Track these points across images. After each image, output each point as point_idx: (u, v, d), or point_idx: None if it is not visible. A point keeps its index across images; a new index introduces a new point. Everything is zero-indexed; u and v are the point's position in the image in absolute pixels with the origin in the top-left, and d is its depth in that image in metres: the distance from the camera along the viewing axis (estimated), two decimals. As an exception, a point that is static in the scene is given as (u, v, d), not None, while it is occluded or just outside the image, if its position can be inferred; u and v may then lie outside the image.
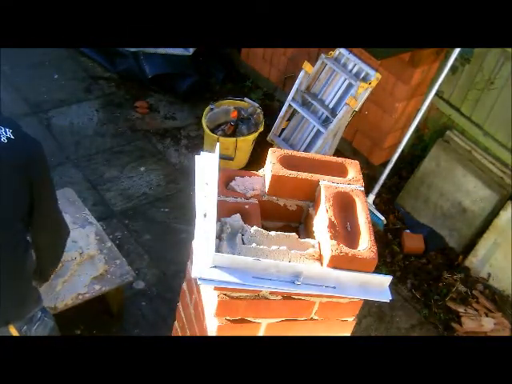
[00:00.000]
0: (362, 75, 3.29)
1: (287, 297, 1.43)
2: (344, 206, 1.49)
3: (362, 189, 1.55)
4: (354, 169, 1.60)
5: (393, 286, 3.21)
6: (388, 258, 3.40)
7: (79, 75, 4.22)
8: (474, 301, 3.25)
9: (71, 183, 3.31)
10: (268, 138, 3.68)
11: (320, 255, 1.42)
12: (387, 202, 3.70)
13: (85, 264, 2.61)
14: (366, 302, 1.49)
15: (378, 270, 1.38)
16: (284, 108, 3.55)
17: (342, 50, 3.35)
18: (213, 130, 3.70)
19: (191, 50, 4.27)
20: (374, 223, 3.32)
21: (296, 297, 1.43)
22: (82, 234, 2.72)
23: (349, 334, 1.59)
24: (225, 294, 1.39)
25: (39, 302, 2.02)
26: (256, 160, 3.73)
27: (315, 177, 1.54)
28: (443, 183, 3.50)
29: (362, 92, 3.24)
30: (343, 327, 1.56)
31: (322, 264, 1.41)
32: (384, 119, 3.56)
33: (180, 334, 1.94)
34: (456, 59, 3.21)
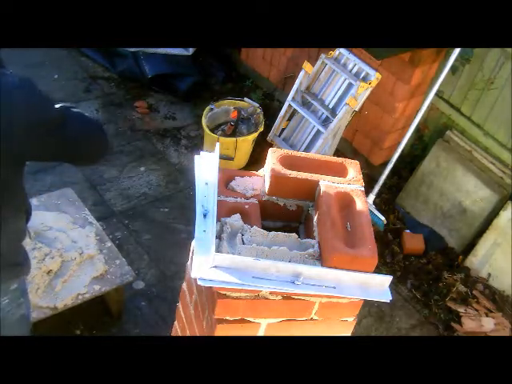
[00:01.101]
0: (362, 75, 3.29)
1: (287, 297, 1.42)
2: (344, 205, 1.49)
3: (362, 189, 1.55)
4: (353, 169, 1.60)
5: (393, 285, 3.21)
6: (388, 258, 3.40)
7: (79, 75, 4.22)
8: (474, 301, 3.25)
9: (71, 183, 3.31)
10: (268, 138, 3.68)
11: (320, 255, 1.42)
12: (387, 201, 3.70)
13: (85, 264, 2.61)
14: (366, 301, 1.49)
15: (377, 270, 1.38)
16: (284, 108, 3.55)
17: (342, 50, 3.35)
18: (213, 130, 3.70)
19: (191, 50, 4.27)
20: (373, 223, 3.32)
21: (296, 297, 1.43)
22: (82, 234, 2.72)
23: (349, 334, 1.59)
24: (225, 294, 1.39)
25: (17, 275, 1.77)
26: (256, 160, 3.73)
27: (315, 177, 1.54)
28: (443, 183, 3.50)
29: (362, 92, 3.24)
30: (343, 327, 1.56)
31: (321, 264, 1.41)
32: (384, 119, 3.56)
33: (180, 334, 1.94)
34: (456, 59, 3.20)
